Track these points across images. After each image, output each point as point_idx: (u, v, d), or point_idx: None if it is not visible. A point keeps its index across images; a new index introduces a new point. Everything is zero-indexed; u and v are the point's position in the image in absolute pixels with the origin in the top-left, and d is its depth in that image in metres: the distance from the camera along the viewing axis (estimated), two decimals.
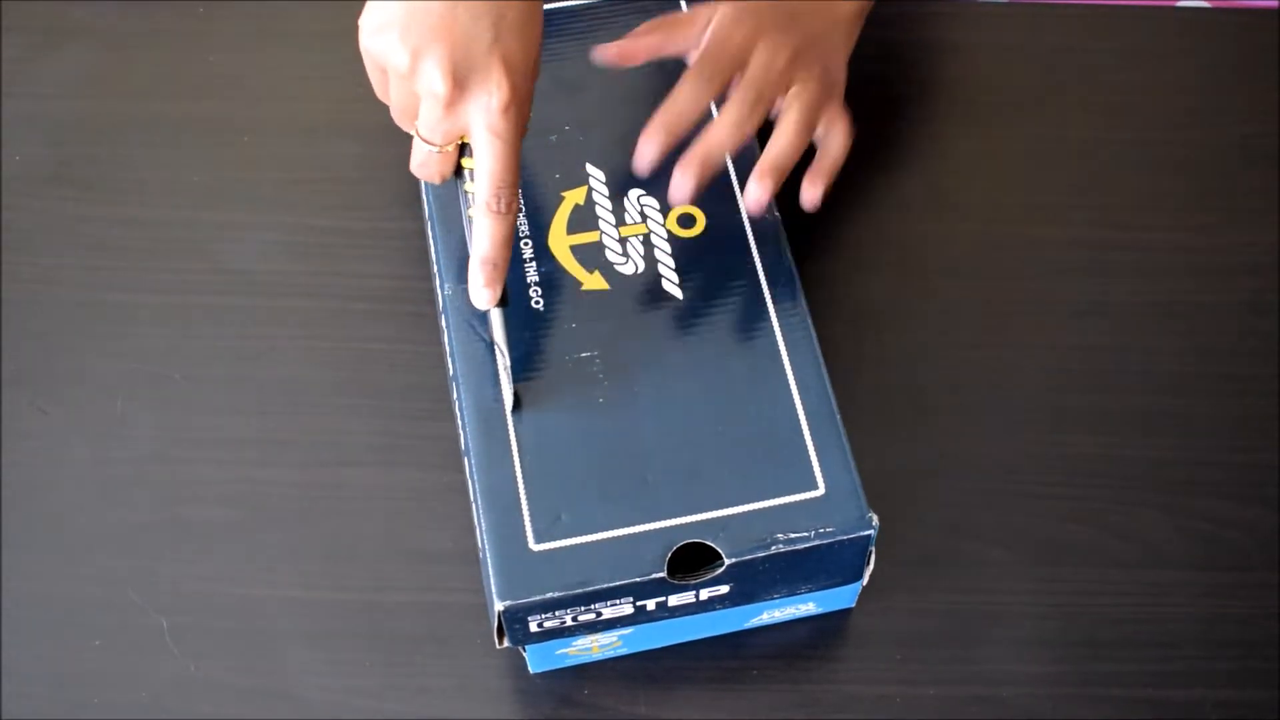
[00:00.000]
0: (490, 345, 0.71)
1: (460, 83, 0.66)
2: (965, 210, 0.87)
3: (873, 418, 0.80)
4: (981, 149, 0.90)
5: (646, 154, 0.72)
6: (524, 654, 0.72)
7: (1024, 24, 0.95)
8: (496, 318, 0.71)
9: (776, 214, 0.76)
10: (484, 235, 0.68)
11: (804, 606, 0.73)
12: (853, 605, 0.74)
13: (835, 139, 0.78)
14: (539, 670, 0.73)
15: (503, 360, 0.70)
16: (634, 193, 0.77)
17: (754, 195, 0.73)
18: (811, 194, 0.77)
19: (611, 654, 0.73)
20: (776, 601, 0.71)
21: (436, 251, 0.76)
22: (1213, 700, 0.73)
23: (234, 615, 0.75)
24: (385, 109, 0.72)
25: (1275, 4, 0.96)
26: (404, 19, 0.66)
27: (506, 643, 0.67)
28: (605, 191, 0.76)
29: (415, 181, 0.78)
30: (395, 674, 0.73)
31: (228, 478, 0.78)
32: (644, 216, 0.76)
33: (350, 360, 0.82)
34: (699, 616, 0.69)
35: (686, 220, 0.75)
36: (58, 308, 0.84)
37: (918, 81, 0.93)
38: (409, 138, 0.71)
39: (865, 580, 0.70)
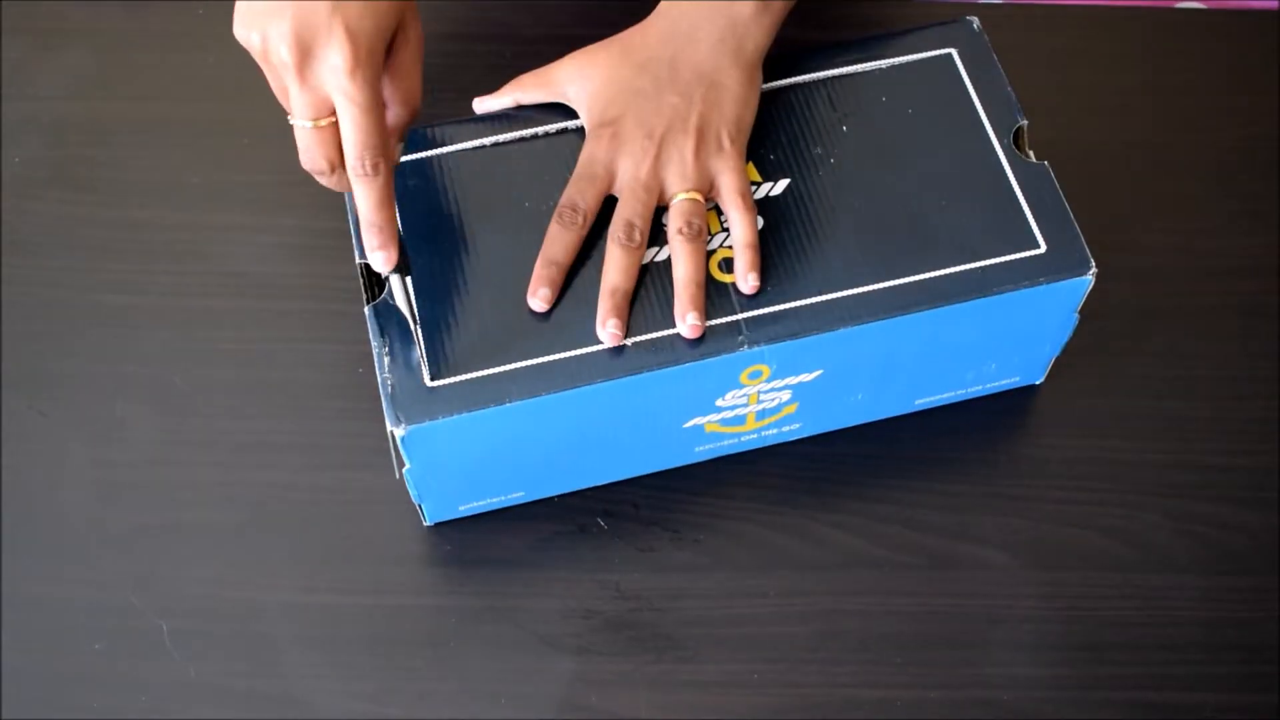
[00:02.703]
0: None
1: (305, 51, 0.66)
2: None
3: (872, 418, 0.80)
4: None
5: (538, 307, 0.71)
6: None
7: (1024, 24, 0.95)
8: (397, 284, 0.71)
9: None
10: (360, 199, 0.69)
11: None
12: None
13: (736, 229, 0.73)
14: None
15: (414, 328, 0.70)
16: None
17: (688, 332, 0.70)
18: (750, 286, 0.72)
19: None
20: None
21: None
22: (1214, 704, 0.73)
23: (234, 618, 0.75)
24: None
25: (1275, 5, 0.96)
26: (250, 4, 0.67)
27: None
28: None
29: None
30: (395, 677, 0.73)
31: (227, 480, 0.78)
32: None
33: (349, 362, 0.81)
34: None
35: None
36: (58, 309, 0.84)
37: None
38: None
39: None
